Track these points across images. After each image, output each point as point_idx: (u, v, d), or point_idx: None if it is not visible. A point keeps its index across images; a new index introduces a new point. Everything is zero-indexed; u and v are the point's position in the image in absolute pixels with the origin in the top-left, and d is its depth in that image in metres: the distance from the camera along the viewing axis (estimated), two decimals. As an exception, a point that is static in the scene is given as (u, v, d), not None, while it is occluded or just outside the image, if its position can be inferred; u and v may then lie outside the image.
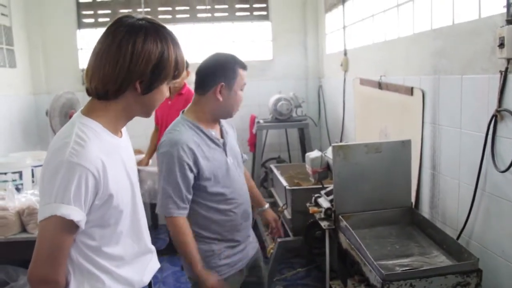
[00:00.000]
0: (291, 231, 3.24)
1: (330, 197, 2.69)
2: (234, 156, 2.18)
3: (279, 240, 3.19)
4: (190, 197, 2.01)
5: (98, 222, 1.30)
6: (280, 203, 3.57)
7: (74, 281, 1.31)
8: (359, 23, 3.86)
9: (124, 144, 1.44)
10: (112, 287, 1.37)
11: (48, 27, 4.90)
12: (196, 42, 5.14)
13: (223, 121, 2.22)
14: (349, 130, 4.21)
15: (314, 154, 2.79)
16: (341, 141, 4.37)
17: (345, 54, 4.14)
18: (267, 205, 2.62)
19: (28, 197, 2.91)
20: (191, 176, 1.97)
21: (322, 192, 2.85)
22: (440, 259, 2.14)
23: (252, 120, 4.72)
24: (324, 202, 2.74)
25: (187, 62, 3.35)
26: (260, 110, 4.99)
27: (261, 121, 4.48)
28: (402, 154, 2.52)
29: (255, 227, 4.12)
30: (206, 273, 1.99)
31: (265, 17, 5.20)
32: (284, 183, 3.31)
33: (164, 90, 1.36)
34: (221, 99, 2.06)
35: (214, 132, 2.11)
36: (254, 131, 4.56)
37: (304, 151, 4.80)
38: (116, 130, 1.38)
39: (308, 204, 2.90)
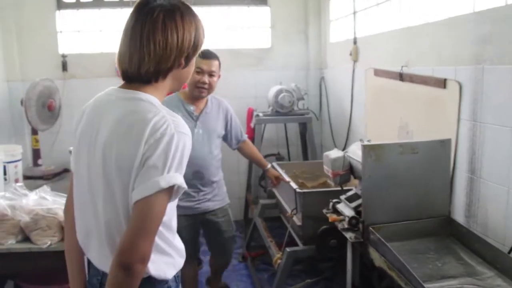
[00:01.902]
0: (301, 239, 2.88)
1: (354, 204, 2.34)
2: (206, 130, 2.79)
3: (288, 249, 2.82)
4: None
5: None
6: (285, 206, 3.21)
7: (151, 263, 1.28)
8: (373, 8, 3.49)
9: None
10: (178, 262, 1.44)
11: (23, 7, 4.39)
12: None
13: (213, 104, 2.88)
14: (357, 125, 3.86)
15: (334, 153, 2.43)
16: (347, 138, 4.03)
17: (355, 42, 3.79)
18: (268, 165, 3.21)
19: (-3, 201, 2.47)
20: None
21: (342, 197, 2.49)
22: (496, 282, 1.81)
23: (250, 113, 4.34)
24: (346, 209, 2.39)
25: None
26: (257, 103, 4.60)
27: (260, 114, 4.10)
28: (440, 155, 2.19)
29: (257, 234, 3.76)
30: None
31: (263, 2, 4.79)
32: (294, 185, 2.94)
33: (194, 62, 1.43)
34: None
35: (193, 108, 2.79)
36: (252, 125, 4.18)
37: (305, 147, 4.46)
38: None
39: (325, 211, 2.55)
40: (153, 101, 1.32)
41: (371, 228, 2.09)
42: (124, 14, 4.54)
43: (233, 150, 3.13)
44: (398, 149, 2.11)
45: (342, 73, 4.13)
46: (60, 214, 2.43)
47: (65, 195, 1.73)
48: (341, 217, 2.39)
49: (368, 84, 3.53)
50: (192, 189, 2.79)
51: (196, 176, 2.80)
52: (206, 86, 2.73)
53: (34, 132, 4.17)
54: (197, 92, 2.75)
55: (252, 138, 4.23)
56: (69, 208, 1.51)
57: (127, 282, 1.20)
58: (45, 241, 2.38)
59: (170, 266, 1.41)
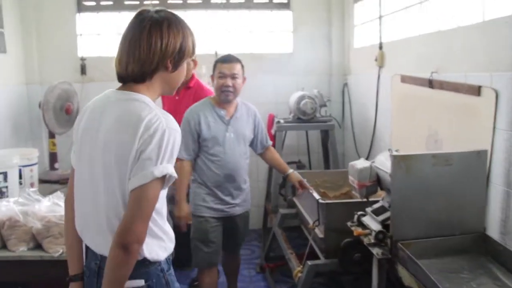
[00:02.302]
0: (323, 252, 2.74)
1: (382, 217, 2.20)
2: (237, 134, 2.88)
3: (309, 263, 2.69)
4: (195, 148, 2.86)
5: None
6: (307, 217, 3.07)
7: (145, 245, 1.44)
8: (401, 12, 3.36)
9: None
10: (169, 246, 1.57)
11: (44, 8, 4.37)
12: (209, 31, 4.63)
13: (243, 109, 2.96)
14: (382, 134, 3.71)
15: (361, 164, 2.30)
16: (371, 146, 3.89)
17: (381, 47, 3.65)
18: (290, 170, 3.12)
19: (10, 206, 2.40)
20: (195, 133, 2.83)
21: (368, 209, 2.35)
22: (540, 308, 1.65)
23: (271, 119, 4.23)
24: (372, 223, 2.25)
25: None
26: (277, 109, 4.49)
27: (281, 120, 3.98)
28: (475, 167, 2.05)
29: (275, 244, 3.64)
30: (184, 203, 2.88)
31: (286, 6, 4.69)
32: (316, 195, 2.81)
33: (185, 68, 1.58)
34: (213, 86, 2.96)
35: (223, 112, 2.88)
36: (273, 131, 4.06)
37: (326, 155, 4.32)
38: None
39: (349, 224, 2.41)
40: (146, 100, 1.48)
41: (400, 244, 1.95)
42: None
43: (257, 154, 3.16)
44: (430, 160, 1.98)
45: (366, 79, 4.00)
46: (73, 221, 2.34)
47: None
48: (367, 231, 2.25)
49: (394, 91, 3.39)
50: (224, 193, 2.89)
51: (228, 179, 2.88)
52: (230, 89, 2.80)
53: (52, 135, 4.12)
54: (223, 96, 2.82)
55: (272, 145, 4.12)
56: (69, 199, 1.65)
57: (125, 260, 1.38)
58: (57, 249, 2.30)
59: (162, 248, 1.54)
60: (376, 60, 3.67)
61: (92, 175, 1.50)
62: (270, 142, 3.16)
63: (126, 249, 1.36)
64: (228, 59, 2.85)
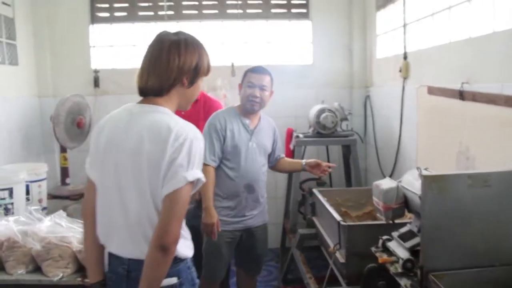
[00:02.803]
0: (344, 278, 2.52)
1: (410, 244, 1.98)
2: (258, 145, 2.88)
3: (329, 290, 2.48)
4: (220, 154, 2.80)
5: None
6: (327, 239, 2.86)
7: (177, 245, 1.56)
8: (427, 19, 3.15)
9: None
10: (189, 243, 1.72)
11: (57, 20, 4.29)
12: (225, 42, 4.49)
13: (264, 121, 2.98)
14: (407, 149, 3.49)
15: (386, 184, 2.09)
16: (395, 163, 3.66)
17: (405, 57, 3.44)
18: (304, 161, 3.06)
19: (9, 226, 2.25)
20: (221, 138, 2.79)
21: (395, 234, 2.13)
22: None
23: (289, 134, 4.04)
24: (399, 250, 2.03)
25: None
26: (296, 123, 4.30)
27: (301, 135, 3.78)
28: (517, 189, 1.80)
29: (294, 265, 3.43)
30: (212, 210, 2.73)
31: (305, 15, 4.51)
32: (337, 216, 2.60)
33: (200, 85, 1.75)
34: (240, 95, 2.92)
35: (248, 121, 2.88)
36: (291, 146, 3.87)
37: (348, 172, 4.10)
38: None
39: (374, 249, 2.19)
40: (168, 112, 1.64)
41: (431, 276, 1.73)
42: (158, 28, 4.35)
43: (269, 167, 3.10)
44: (466, 180, 1.75)
45: (390, 92, 3.79)
46: (75, 243, 2.19)
47: (81, 221, 2.03)
48: (393, 258, 2.03)
49: (421, 103, 3.17)
50: (242, 205, 2.85)
51: (248, 189, 2.85)
52: (257, 99, 2.81)
53: (63, 149, 4.01)
54: (249, 105, 2.83)
55: (290, 161, 3.93)
56: (88, 211, 1.72)
57: (164, 261, 1.51)
58: (57, 273, 2.16)
59: (188, 247, 1.70)
60: (400, 71, 3.46)
61: (119, 184, 1.60)
62: (283, 155, 3.17)
63: (165, 250, 1.49)
64: (259, 70, 2.86)
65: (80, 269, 2.20)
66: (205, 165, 2.58)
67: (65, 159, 4.04)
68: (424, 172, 1.79)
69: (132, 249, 1.61)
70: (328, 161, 4.40)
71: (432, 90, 2.96)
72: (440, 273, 1.74)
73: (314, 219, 3.32)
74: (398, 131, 3.59)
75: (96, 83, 4.33)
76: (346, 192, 3.38)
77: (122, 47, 4.44)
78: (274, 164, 3.10)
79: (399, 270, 1.93)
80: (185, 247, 1.66)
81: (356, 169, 3.84)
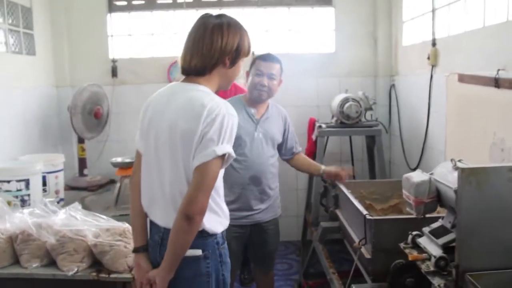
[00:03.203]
0: (370, 274, 2.40)
1: (443, 240, 1.85)
2: (265, 134, 2.73)
3: (354, 287, 2.36)
4: None
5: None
6: (351, 233, 2.74)
7: (205, 218, 1.64)
8: (459, 3, 2.98)
9: None
10: (225, 221, 1.80)
11: (74, 10, 4.21)
12: (248, 31, 4.34)
13: (273, 110, 2.82)
14: (435, 140, 3.33)
15: (418, 177, 1.95)
16: (422, 154, 3.51)
17: (434, 44, 3.27)
18: (323, 167, 2.93)
19: (24, 218, 2.19)
20: None
21: (425, 229, 2.00)
22: None
23: (312, 124, 3.92)
24: (431, 246, 1.91)
25: None
26: (319, 112, 4.19)
27: (323, 125, 3.66)
28: None
29: (315, 259, 3.32)
30: None
31: (328, 2, 4.35)
32: (362, 209, 2.48)
33: (240, 66, 1.81)
34: (246, 82, 2.80)
35: (254, 111, 2.74)
36: (314, 137, 3.75)
37: (372, 163, 3.97)
38: None
39: (403, 245, 2.07)
40: (207, 90, 1.71)
41: (468, 276, 1.60)
42: (176, 16, 4.27)
43: (283, 160, 2.96)
44: (506, 174, 1.62)
45: (417, 80, 3.63)
46: (90, 237, 2.11)
47: (98, 214, 2.32)
48: (424, 255, 1.90)
49: (451, 92, 3.01)
50: (249, 198, 2.71)
51: (254, 181, 2.70)
52: (265, 88, 2.68)
53: (81, 140, 3.97)
54: (256, 94, 2.70)
55: (314, 152, 3.81)
56: (134, 181, 1.85)
57: (188, 229, 1.59)
58: (72, 267, 2.08)
59: (218, 223, 1.74)
60: (428, 58, 3.30)
61: (158, 156, 1.71)
62: (300, 149, 3.00)
63: (190, 219, 1.57)
64: (268, 58, 2.71)
65: (95, 264, 2.13)
66: None
67: (83, 149, 3.99)
68: (461, 165, 1.66)
69: (166, 218, 1.69)
70: (352, 154, 4.28)
71: (463, 78, 2.80)
72: (478, 273, 1.61)
73: (337, 212, 3.20)
74: (425, 121, 3.43)
75: (114, 72, 4.25)
76: (370, 184, 3.25)
77: (140, 36, 4.35)
78: (289, 158, 2.95)
79: (432, 268, 1.80)
80: (215, 223, 1.71)
81: (380, 160, 3.70)
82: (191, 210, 1.57)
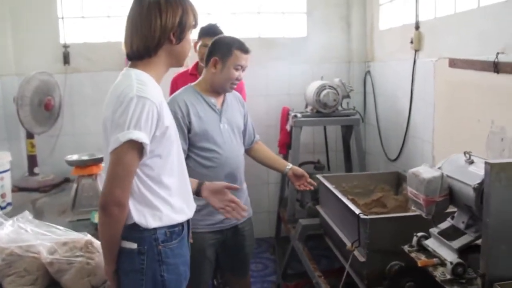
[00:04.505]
0: (365, 279, 2.18)
1: (459, 243, 1.65)
2: (230, 124, 2.46)
3: (347, 293, 2.14)
4: (185, 147, 2.32)
5: (157, 152, 1.56)
6: (339, 233, 2.51)
7: (135, 210, 1.56)
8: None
9: None
10: (169, 216, 1.62)
11: (19, -11, 3.75)
12: (211, 12, 4.04)
13: (230, 96, 2.53)
14: (419, 130, 3.15)
15: (427, 172, 1.72)
16: (403, 145, 3.33)
17: (417, 27, 3.07)
18: (290, 165, 2.65)
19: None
20: (184, 127, 2.32)
21: (434, 230, 1.79)
22: None
23: (285, 113, 3.65)
24: (443, 250, 1.70)
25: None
26: (291, 101, 3.93)
27: (299, 115, 3.40)
28: None
29: (294, 259, 3.09)
30: None
31: (299, -16, 4.10)
32: (355, 208, 2.25)
33: (190, 39, 1.70)
34: (213, 71, 2.38)
35: (214, 100, 2.44)
36: (288, 127, 3.50)
37: (348, 154, 3.77)
38: (159, 81, 1.66)
39: (407, 248, 1.86)
40: (134, 73, 1.58)
41: (498, 286, 1.39)
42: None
43: (244, 151, 2.64)
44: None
45: (396, 66, 3.44)
46: (44, 253, 1.78)
47: (54, 225, 2.00)
48: (435, 260, 1.69)
49: (440, 78, 2.82)
50: None
51: (230, 179, 2.35)
52: (238, 82, 2.45)
53: (30, 135, 3.55)
54: (230, 89, 2.46)
55: (288, 144, 3.57)
56: None
57: (106, 221, 1.51)
58: (22, 291, 1.72)
59: (156, 217, 1.59)
60: (411, 42, 3.10)
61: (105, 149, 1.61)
62: (258, 137, 2.72)
63: (105, 210, 1.49)
64: (248, 49, 2.39)
65: (52, 285, 1.79)
66: None
67: (32, 146, 3.59)
68: (489, 160, 1.44)
69: None
70: (326, 145, 4.07)
71: (455, 63, 2.60)
72: (508, 283, 1.41)
73: (319, 208, 2.97)
74: (407, 110, 3.25)
75: (66, 59, 3.83)
76: (353, 178, 3.04)
77: (96, 18, 3.93)
78: (249, 147, 2.66)
79: (448, 276, 1.58)
80: (149, 216, 1.58)
81: (359, 151, 3.49)
82: (104, 202, 1.48)
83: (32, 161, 3.61)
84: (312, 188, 2.63)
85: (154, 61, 1.62)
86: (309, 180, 2.60)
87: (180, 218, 1.66)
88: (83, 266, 1.77)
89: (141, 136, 1.46)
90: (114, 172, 1.48)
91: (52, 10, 3.84)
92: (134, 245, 1.56)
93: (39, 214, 2.98)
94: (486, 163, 1.41)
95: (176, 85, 3.11)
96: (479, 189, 1.52)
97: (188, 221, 1.75)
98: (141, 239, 1.57)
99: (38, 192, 3.42)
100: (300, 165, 3.72)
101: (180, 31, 1.61)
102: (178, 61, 1.69)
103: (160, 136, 1.55)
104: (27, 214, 2.00)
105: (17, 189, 3.48)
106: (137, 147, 1.47)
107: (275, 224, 4.03)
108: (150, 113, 1.48)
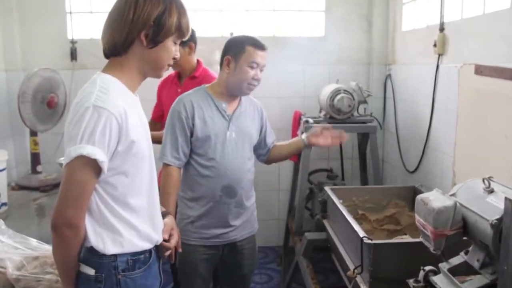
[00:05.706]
0: (368, 310, 1.97)
1: (473, 285, 1.41)
2: (240, 133, 2.24)
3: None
4: (187, 150, 2.19)
5: (122, 169, 1.38)
6: (343, 253, 2.31)
7: (94, 233, 1.39)
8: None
9: (139, 105, 1.51)
10: (132, 242, 1.43)
11: (26, -17, 3.66)
12: (224, 8, 3.87)
13: (247, 103, 2.31)
14: (439, 141, 2.90)
15: (437, 200, 1.50)
16: (422, 155, 3.09)
17: (442, 29, 2.82)
18: (304, 135, 2.45)
19: None
20: (187, 130, 2.17)
21: (443, 266, 1.56)
22: None
23: (297, 118, 3.46)
24: (454, 290, 1.47)
25: (194, 37, 2.80)
26: (305, 104, 3.73)
27: (310, 120, 3.19)
28: None
29: (299, 273, 2.90)
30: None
31: (317, -20, 3.88)
32: (359, 230, 2.04)
33: (170, 48, 1.47)
34: (227, 71, 2.18)
35: (225, 105, 2.23)
36: (299, 133, 3.29)
37: (364, 163, 3.54)
38: (132, 88, 1.47)
39: (413, 283, 1.64)
40: (100, 79, 1.38)
41: None
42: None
43: (261, 161, 2.47)
44: None
45: (419, 70, 3.19)
46: (10, 269, 1.63)
47: (28, 237, 1.87)
48: (444, 300, 1.47)
49: (464, 85, 2.57)
50: (221, 212, 2.22)
51: (227, 192, 2.20)
52: (257, 83, 2.21)
53: (33, 133, 3.45)
54: (247, 90, 2.22)
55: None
56: None
57: (57, 242, 1.36)
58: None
59: (117, 243, 1.42)
60: (435, 45, 2.85)
61: None
62: (275, 137, 2.48)
63: (55, 231, 1.34)
64: (263, 46, 2.18)
65: (17, 305, 1.65)
66: (165, 165, 2.17)
67: (36, 143, 3.49)
68: (499, 188, 1.21)
69: None
70: (341, 151, 3.84)
71: (482, 70, 2.35)
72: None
73: (326, 222, 2.76)
74: (428, 118, 3.00)
75: (73, 55, 3.72)
76: (364, 191, 2.82)
77: (104, 13, 3.79)
78: (267, 157, 2.45)
79: (458, 323, 1.37)
80: (108, 240, 1.40)
81: (375, 161, 3.25)
82: (55, 222, 1.32)
83: (35, 159, 3.51)
84: (344, 139, 2.47)
85: (124, 63, 1.42)
86: (334, 133, 2.44)
87: (146, 245, 1.47)
88: (51, 284, 1.63)
89: (95, 152, 1.28)
90: (66, 189, 1.31)
91: (60, 4, 3.74)
92: (92, 271, 1.40)
93: (34, 216, 2.90)
94: (506, 199, 1.18)
95: (162, 90, 2.98)
96: (498, 226, 1.29)
97: (156, 246, 1.56)
98: (99, 265, 1.40)
99: (38, 191, 3.33)
100: (310, 174, 3.53)
101: (155, 33, 1.40)
102: (152, 70, 1.48)
103: (125, 151, 1.36)
104: (1, 223, 1.86)
105: (18, 187, 3.40)
106: (92, 164, 1.30)
107: (284, 233, 3.84)
108: (107, 125, 1.30)
